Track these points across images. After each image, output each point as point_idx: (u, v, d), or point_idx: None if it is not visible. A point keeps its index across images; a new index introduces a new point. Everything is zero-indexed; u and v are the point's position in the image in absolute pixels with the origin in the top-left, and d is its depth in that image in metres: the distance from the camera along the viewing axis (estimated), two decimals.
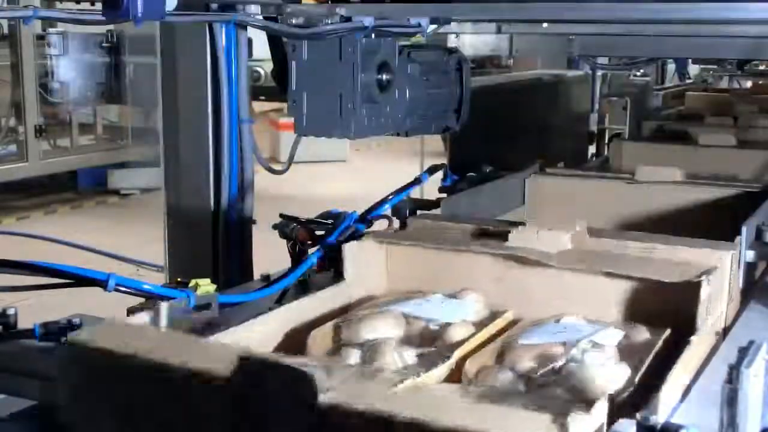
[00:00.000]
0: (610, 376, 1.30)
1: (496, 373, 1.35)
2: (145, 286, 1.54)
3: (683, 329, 1.43)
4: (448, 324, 1.53)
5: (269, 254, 2.20)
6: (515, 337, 1.48)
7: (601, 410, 1.06)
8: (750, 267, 1.78)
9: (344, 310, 1.68)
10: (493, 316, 1.63)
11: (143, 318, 1.41)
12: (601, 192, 2.39)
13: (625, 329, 1.51)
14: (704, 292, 1.46)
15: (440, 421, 1.00)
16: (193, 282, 1.59)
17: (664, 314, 1.53)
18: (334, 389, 1.05)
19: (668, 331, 1.47)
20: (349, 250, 1.72)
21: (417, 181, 2.32)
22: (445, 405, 1.08)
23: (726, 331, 1.59)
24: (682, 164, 2.41)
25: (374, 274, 1.79)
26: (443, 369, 1.37)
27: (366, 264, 1.76)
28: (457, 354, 1.41)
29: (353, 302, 1.72)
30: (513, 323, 1.61)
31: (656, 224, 2.24)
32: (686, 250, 1.64)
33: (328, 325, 1.53)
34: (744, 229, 1.71)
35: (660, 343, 1.43)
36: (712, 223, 2.12)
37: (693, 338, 1.35)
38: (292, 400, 1.04)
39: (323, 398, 1.03)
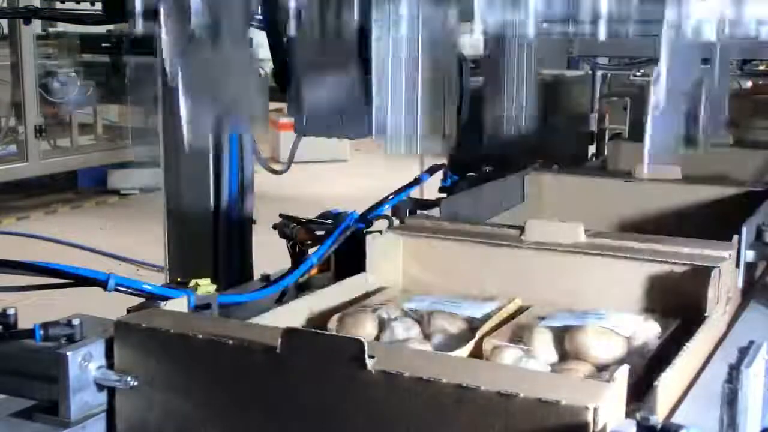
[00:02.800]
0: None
1: (508, 350, 1.43)
2: (145, 286, 1.54)
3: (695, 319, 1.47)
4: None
5: (269, 254, 2.20)
6: (531, 321, 1.56)
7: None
8: (750, 267, 1.78)
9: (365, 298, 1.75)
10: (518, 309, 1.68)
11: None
12: (600, 190, 2.39)
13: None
14: (715, 278, 1.49)
15: (493, 387, 1.05)
16: (193, 282, 1.59)
17: (679, 304, 1.58)
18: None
19: (678, 322, 1.53)
20: (371, 241, 1.79)
21: (417, 181, 2.33)
22: (491, 372, 1.14)
23: (726, 330, 1.59)
24: (681, 164, 2.40)
25: (392, 264, 1.85)
26: (466, 349, 1.46)
27: (385, 255, 1.82)
28: (479, 334, 1.49)
29: (372, 291, 1.78)
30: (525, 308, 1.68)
31: (655, 223, 2.24)
32: (684, 249, 1.65)
33: (340, 315, 1.59)
34: (744, 229, 1.71)
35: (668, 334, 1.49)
36: (712, 222, 2.12)
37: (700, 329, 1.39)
38: (344, 363, 1.12)
39: (371, 363, 1.10)
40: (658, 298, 1.63)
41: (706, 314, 1.47)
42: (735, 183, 2.37)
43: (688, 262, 1.60)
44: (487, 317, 1.58)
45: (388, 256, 1.83)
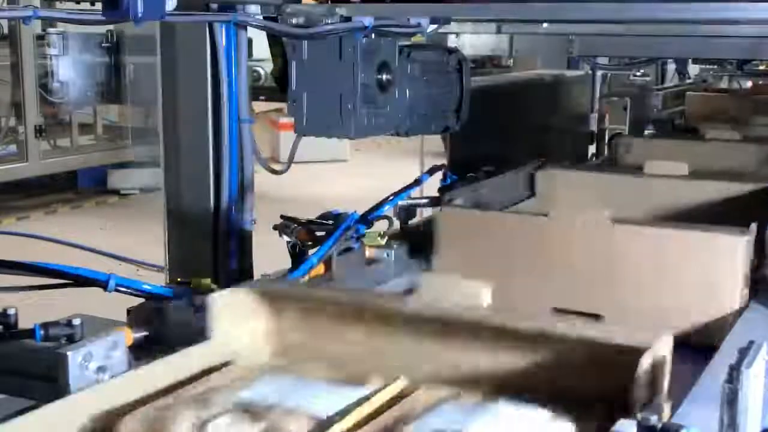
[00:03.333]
0: None
1: None
2: (145, 286, 1.54)
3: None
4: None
5: (269, 254, 2.20)
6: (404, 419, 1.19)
7: None
8: (751, 267, 1.79)
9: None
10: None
11: None
12: (610, 186, 2.41)
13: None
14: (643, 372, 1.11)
15: None
16: (193, 282, 1.59)
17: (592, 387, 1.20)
18: None
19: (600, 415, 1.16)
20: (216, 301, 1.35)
21: (417, 182, 2.33)
22: None
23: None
24: (689, 160, 2.44)
25: (247, 332, 1.41)
26: None
27: (236, 317, 1.40)
28: None
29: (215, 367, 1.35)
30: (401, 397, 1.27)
31: (665, 219, 2.26)
32: (700, 234, 1.73)
33: (147, 410, 1.19)
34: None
35: None
36: (722, 217, 2.13)
37: None
38: None
39: None
40: (580, 381, 1.22)
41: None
42: (752, 178, 2.39)
43: (617, 342, 1.19)
44: (347, 412, 1.19)
45: (242, 318, 1.40)
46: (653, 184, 2.35)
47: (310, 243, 1.96)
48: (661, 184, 2.34)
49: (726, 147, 2.94)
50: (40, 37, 7.44)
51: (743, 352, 1.08)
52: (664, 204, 2.31)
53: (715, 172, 2.49)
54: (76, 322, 1.44)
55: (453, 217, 2.03)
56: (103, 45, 7.53)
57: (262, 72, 6.04)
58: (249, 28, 2.17)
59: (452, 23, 2.64)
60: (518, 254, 1.92)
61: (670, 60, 5.63)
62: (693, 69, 5.96)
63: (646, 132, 4.16)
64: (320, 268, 1.89)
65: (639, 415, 1.00)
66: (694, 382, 1.32)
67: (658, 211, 2.31)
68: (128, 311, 1.54)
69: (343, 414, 1.18)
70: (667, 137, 3.47)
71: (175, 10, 1.78)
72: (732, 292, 1.73)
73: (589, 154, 4.13)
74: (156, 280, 1.73)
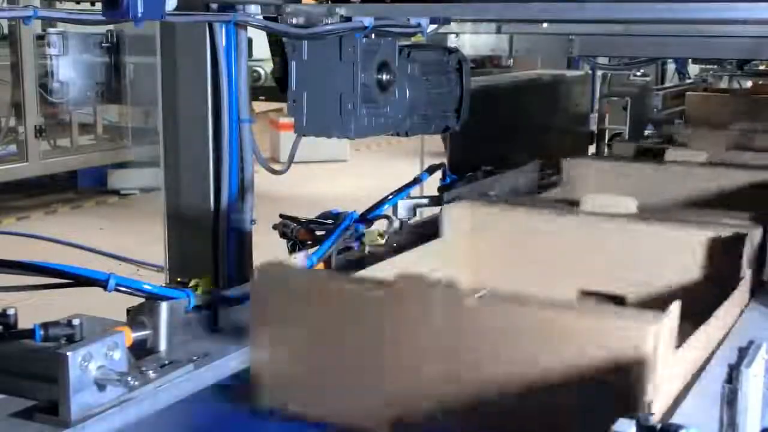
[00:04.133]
0: None
1: None
2: (145, 286, 1.54)
3: None
4: None
5: (269, 254, 2.20)
6: None
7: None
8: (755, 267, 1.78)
9: None
10: None
11: None
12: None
13: None
14: None
15: None
16: (193, 282, 1.59)
17: None
18: None
19: None
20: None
21: (416, 181, 2.33)
22: None
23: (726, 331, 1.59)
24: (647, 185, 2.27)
25: None
26: None
27: None
28: None
29: None
30: None
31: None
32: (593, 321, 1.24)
33: None
34: None
35: None
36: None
37: None
38: None
39: None
40: None
41: None
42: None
43: None
44: None
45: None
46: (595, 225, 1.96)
47: (309, 242, 1.96)
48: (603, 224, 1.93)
49: (683, 172, 2.43)
50: (40, 37, 7.44)
51: (743, 352, 1.08)
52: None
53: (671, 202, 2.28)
54: (76, 322, 1.44)
55: (460, 210, 1.98)
56: (103, 45, 7.53)
57: (262, 72, 6.04)
58: (249, 28, 2.17)
59: (452, 23, 2.64)
60: None
61: (670, 60, 5.64)
62: (693, 69, 5.97)
63: (647, 132, 4.16)
64: (320, 268, 1.89)
65: (638, 415, 1.00)
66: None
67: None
68: (128, 311, 1.54)
69: None
70: (617, 160, 2.73)
71: (175, 10, 1.78)
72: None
73: (589, 154, 4.13)
74: (156, 280, 1.73)
